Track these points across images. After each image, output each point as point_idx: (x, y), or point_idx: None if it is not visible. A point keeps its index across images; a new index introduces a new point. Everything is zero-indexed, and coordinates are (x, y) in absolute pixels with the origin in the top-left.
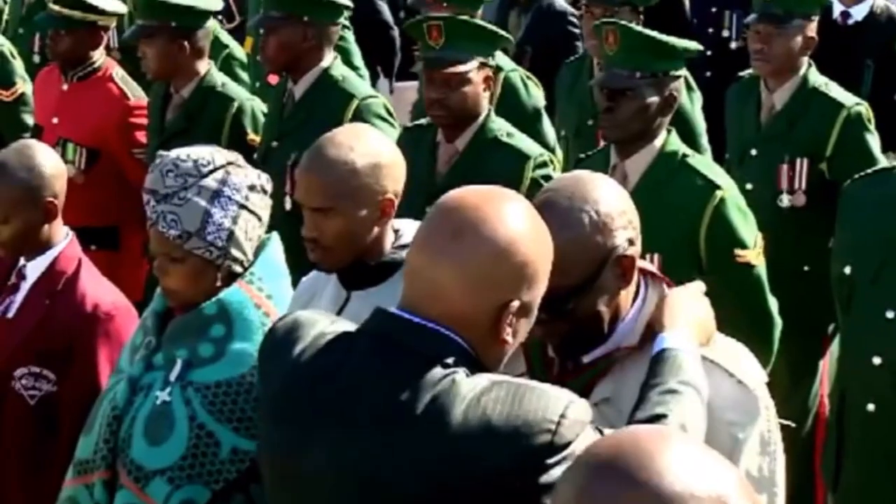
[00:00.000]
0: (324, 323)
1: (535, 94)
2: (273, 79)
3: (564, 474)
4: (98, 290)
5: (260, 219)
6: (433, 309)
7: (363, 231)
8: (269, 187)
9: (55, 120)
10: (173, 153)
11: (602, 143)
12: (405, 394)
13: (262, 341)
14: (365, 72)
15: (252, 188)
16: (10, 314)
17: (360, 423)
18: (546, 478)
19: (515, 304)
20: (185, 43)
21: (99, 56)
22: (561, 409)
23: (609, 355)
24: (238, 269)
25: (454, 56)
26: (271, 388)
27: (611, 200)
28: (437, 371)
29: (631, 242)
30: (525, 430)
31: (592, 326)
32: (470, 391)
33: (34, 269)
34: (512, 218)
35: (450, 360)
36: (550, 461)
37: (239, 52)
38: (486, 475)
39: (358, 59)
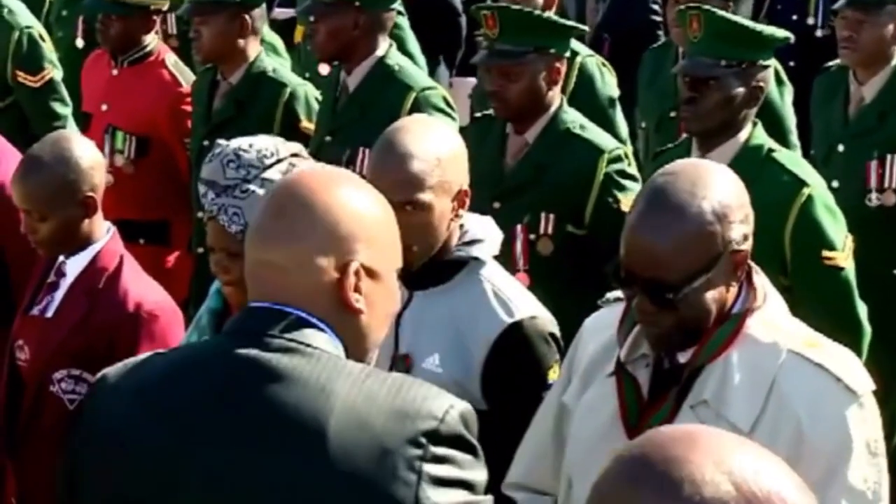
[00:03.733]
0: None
1: (610, 83)
2: (324, 69)
3: (598, 477)
4: (141, 288)
5: None
6: (280, 296)
7: (445, 225)
8: None
9: (104, 107)
10: (233, 143)
11: (683, 136)
12: (271, 383)
13: (95, 385)
14: (421, 59)
15: None
16: (49, 313)
17: (236, 423)
18: (429, 468)
19: (355, 264)
20: (248, 19)
21: (151, 40)
22: (448, 401)
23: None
24: None
25: (509, 48)
26: (114, 421)
27: (731, 192)
28: (315, 354)
29: (745, 238)
30: (412, 413)
31: (697, 321)
32: (355, 371)
33: (74, 266)
34: (333, 185)
35: (320, 345)
36: (437, 451)
37: (271, 36)
38: (371, 454)
39: (414, 45)
